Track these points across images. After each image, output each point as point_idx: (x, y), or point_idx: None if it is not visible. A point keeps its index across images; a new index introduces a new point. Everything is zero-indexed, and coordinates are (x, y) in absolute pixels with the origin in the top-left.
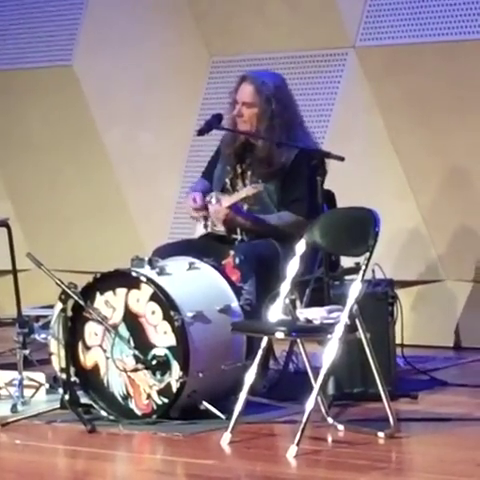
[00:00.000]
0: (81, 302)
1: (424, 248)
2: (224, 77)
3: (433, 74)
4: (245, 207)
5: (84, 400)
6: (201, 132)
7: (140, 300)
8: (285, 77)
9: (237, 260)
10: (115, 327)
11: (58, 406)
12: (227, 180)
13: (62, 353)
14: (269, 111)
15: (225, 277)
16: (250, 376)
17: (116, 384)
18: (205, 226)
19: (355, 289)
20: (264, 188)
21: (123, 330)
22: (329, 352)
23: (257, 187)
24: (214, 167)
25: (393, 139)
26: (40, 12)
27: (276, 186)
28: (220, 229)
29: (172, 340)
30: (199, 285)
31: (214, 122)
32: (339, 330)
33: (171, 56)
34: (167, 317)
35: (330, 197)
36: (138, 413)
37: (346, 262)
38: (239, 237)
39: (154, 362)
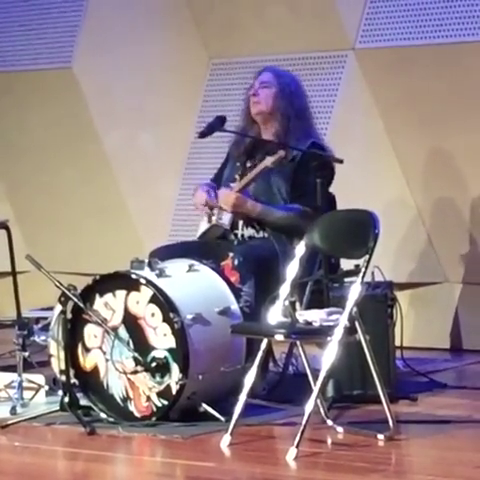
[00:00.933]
0: (81, 304)
1: (423, 250)
2: (223, 79)
3: (432, 76)
4: (253, 199)
5: (83, 402)
6: (203, 135)
7: (140, 302)
8: None
9: (236, 261)
10: (115, 329)
11: (57, 408)
12: (237, 176)
13: (62, 355)
14: (288, 91)
15: (224, 279)
16: (250, 378)
17: (116, 386)
18: (209, 221)
19: (354, 291)
20: (273, 181)
21: (123, 332)
22: (328, 354)
23: (279, 153)
24: (224, 171)
25: (393, 141)
26: (40, 14)
27: (285, 179)
28: (224, 222)
29: (172, 342)
30: (198, 287)
31: (217, 124)
32: (338, 332)
33: (170, 58)
34: (167, 319)
35: (331, 199)
36: (138, 415)
37: (346, 264)
38: (240, 232)
39: (154, 364)
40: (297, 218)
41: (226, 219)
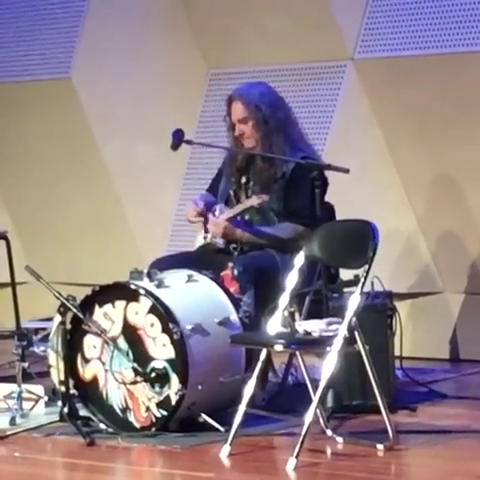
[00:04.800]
0: (80, 315)
1: (423, 260)
2: (222, 90)
3: (432, 86)
4: (246, 216)
5: (83, 413)
6: (174, 147)
7: (139, 313)
8: (272, 85)
9: (236, 272)
10: (114, 340)
11: (57, 419)
12: (231, 192)
13: (61, 366)
14: (261, 117)
15: (224, 289)
16: (249, 388)
17: (115, 397)
18: (205, 237)
19: (354, 301)
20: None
21: (122, 343)
22: (328, 364)
23: (262, 197)
24: (218, 183)
25: (392, 151)
26: (38, 25)
27: (277, 195)
28: (219, 241)
29: (171, 353)
30: (198, 297)
31: (179, 137)
32: (338, 342)
33: (169, 69)
34: (166, 329)
35: (329, 209)
36: (137, 426)
37: (345, 274)
38: (239, 246)
39: (153, 375)
40: (289, 238)
41: (220, 239)
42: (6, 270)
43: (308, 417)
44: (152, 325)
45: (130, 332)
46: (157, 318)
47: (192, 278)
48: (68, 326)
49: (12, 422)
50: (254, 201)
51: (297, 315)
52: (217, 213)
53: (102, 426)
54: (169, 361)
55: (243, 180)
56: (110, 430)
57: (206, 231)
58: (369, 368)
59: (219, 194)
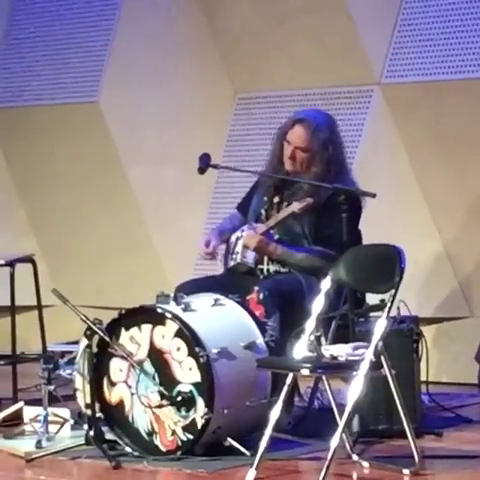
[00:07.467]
0: (106, 338)
1: (449, 285)
2: (249, 114)
3: (459, 111)
4: (276, 237)
5: (109, 436)
6: (201, 171)
7: (165, 336)
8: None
9: (261, 295)
10: (140, 363)
11: (83, 442)
12: (262, 211)
13: (87, 389)
14: (326, 156)
15: (250, 313)
16: (275, 413)
17: (141, 420)
18: (233, 259)
19: (380, 326)
20: (297, 222)
21: (148, 366)
22: (354, 389)
23: (307, 200)
24: (249, 201)
25: (418, 176)
26: (66, 49)
27: (310, 220)
28: (248, 260)
29: (197, 376)
30: (224, 321)
31: (206, 161)
32: (364, 367)
33: (196, 93)
34: (192, 353)
35: (357, 238)
36: (163, 449)
37: (371, 299)
38: (265, 267)
39: (179, 398)
40: (319, 261)
41: (250, 257)
42: (33, 293)
43: (334, 441)
44: (178, 349)
45: (156, 356)
46: (183, 342)
47: (218, 302)
48: (94, 349)
49: (38, 445)
50: (295, 207)
51: (323, 339)
52: (245, 233)
53: (128, 449)
54: (195, 385)
55: (276, 199)
56: (136, 454)
57: (233, 255)
58: (395, 393)
59: (250, 212)
